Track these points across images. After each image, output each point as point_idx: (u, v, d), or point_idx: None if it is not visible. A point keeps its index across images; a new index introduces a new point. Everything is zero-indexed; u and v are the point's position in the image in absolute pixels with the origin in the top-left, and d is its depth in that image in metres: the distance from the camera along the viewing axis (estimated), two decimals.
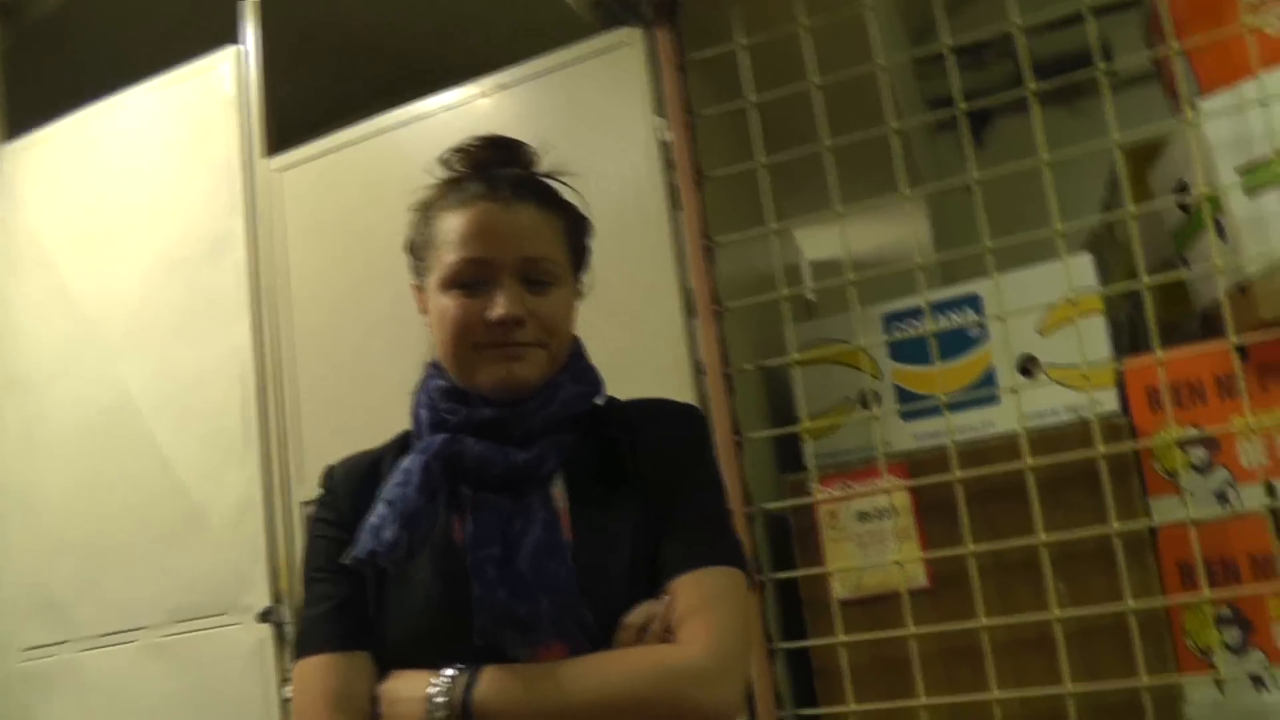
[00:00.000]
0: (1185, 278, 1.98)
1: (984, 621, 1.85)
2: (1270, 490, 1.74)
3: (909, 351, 2.04)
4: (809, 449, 2.04)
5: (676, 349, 2.09)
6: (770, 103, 2.11)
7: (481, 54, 2.39)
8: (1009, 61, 2.77)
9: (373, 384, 2.33)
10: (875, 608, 1.95)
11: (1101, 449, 1.81)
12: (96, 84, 2.76)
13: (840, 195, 2.04)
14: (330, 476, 1.39)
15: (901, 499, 1.96)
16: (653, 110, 2.19)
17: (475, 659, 1.18)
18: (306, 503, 2.35)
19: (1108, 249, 2.28)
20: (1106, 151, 1.92)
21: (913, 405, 2.02)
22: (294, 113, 2.64)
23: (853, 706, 1.92)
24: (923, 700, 1.88)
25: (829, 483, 2.01)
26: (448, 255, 1.28)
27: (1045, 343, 1.95)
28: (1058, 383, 1.91)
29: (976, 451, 1.92)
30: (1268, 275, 1.73)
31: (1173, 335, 1.86)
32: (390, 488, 1.25)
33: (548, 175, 1.37)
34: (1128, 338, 2.19)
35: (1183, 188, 1.93)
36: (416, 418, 1.34)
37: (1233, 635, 1.74)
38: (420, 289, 1.36)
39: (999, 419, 1.95)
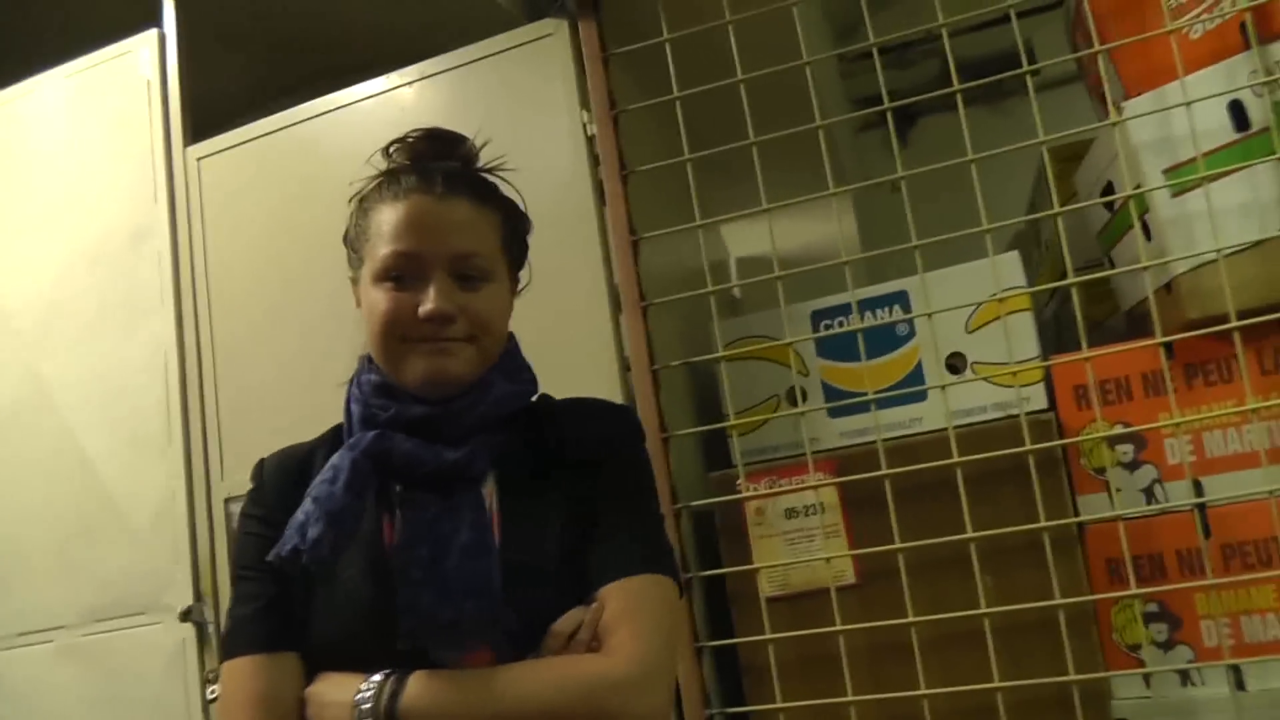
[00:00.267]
0: (1111, 276, 1.93)
1: (912, 618, 1.77)
2: (1197, 487, 1.69)
3: (836, 348, 1.96)
4: (736, 446, 1.96)
5: (603, 345, 2.00)
6: (697, 98, 2.01)
7: (405, 44, 2.28)
8: (934, 61, 2.74)
9: (296, 378, 2.22)
10: (803, 604, 1.87)
11: (1030, 445, 1.75)
12: (9, 67, 2.60)
13: (766, 192, 1.95)
14: (260, 471, 1.34)
15: (829, 496, 1.88)
16: (579, 103, 2.09)
17: (401, 662, 1.14)
18: (230, 499, 2.23)
19: (1033, 248, 2.24)
20: (1032, 151, 1.87)
21: (840, 402, 1.93)
22: (214, 100, 2.51)
23: (781, 704, 1.84)
24: (851, 697, 1.80)
25: (756, 479, 1.93)
26: (380, 248, 1.23)
27: (973, 340, 1.88)
28: (985, 380, 1.85)
29: (905, 448, 1.85)
30: (1193, 275, 1.67)
31: (1097, 334, 1.81)
32: (318, 484, 1.19)
33: (486, 170, 1.32)
34: (1053, 336, 2.14)
35: (1109, 188, 1.88)
36: (348, 412, 1.29)
37: (1160, 631, 1.69)
38: (355, 282, 1.30)
39: (927, 416, 1.88)
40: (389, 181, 1.27)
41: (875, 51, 1.93)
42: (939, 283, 1.88)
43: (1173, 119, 1.72)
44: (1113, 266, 1.93)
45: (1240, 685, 1.64)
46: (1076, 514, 1.75)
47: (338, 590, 1.20)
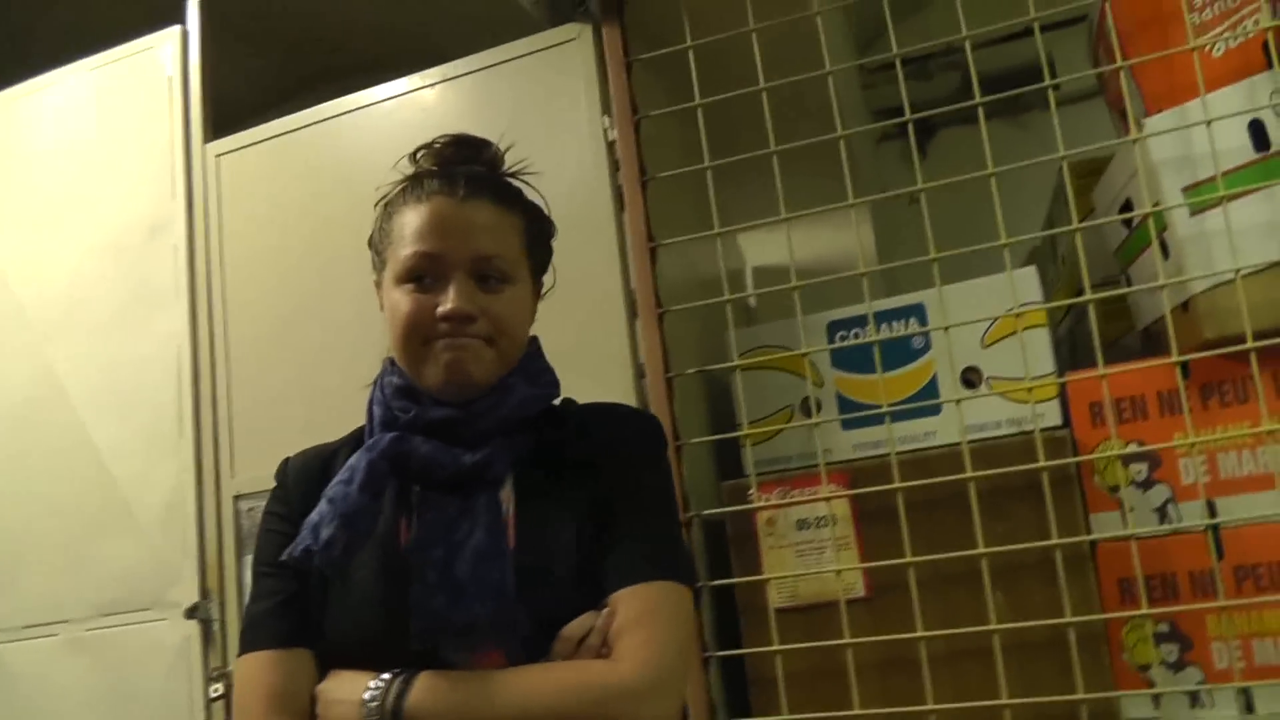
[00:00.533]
0: (1128, 294, 1.93)
1: (922, 633, 1.78)
2: (1210, 508, 1.69)
3: (852, 360, 1.97)
4: (749, 455, 1.97)
5: (619, 351, 2.02)
6: (718, 105, 2.02)
7: (429, 45, 2.30)
8: (954, 74, 2.74)
9: (309, 377, 2.25)
10: (812, 616, 1.88)
11: (1043, 462, 1.75)
12: (32, 60, 2.63)
13: (785, 201, 1.96)
14: (284, 470, 1.36)
15: (841, 507, 1.89)
16: (600, 108, 2.11)
17: (412, 661, 1.15)
18: (240, 496, 2.25)
19: (1049, 263, 2.24)
20: (1051, 166, 1.87)
21: (854, 414, 1.94)
22: (236, 97, 2.54)
23: (788, 716, 1.85)
24: (858, 711, 1.80)
25: (768, 489, 1.94)
26: (401, 250, 1.25)
27: (988, 355, 1.89)
28: (1000, 395, 1.86)
29: (918, 461, 1.85)
30: (1210, 295, 1.68)
31: (1113, 352, 1.82)
32: (334, 485, 1.22)
33: (510, 175, 1.34)
34: (1068, 352, 2.15)
35: (1127, 204, 1.89)
36: (370, 414, 1.30)
37: (1170, 652, 1.69)
38: (378, 285, 1.32)
39: (941, 429, 1.89)
40: (413, 185, 1.29)
41: (898, 63, 1.94)
42: (955, 296, 1.88)
43: (1193, 137, 1.73)
44: (1130, 284, 1.94)
45: (1250, 708, 1.65)
46: (1089, 532, 1.76)
47: (352, 589, 1.21)
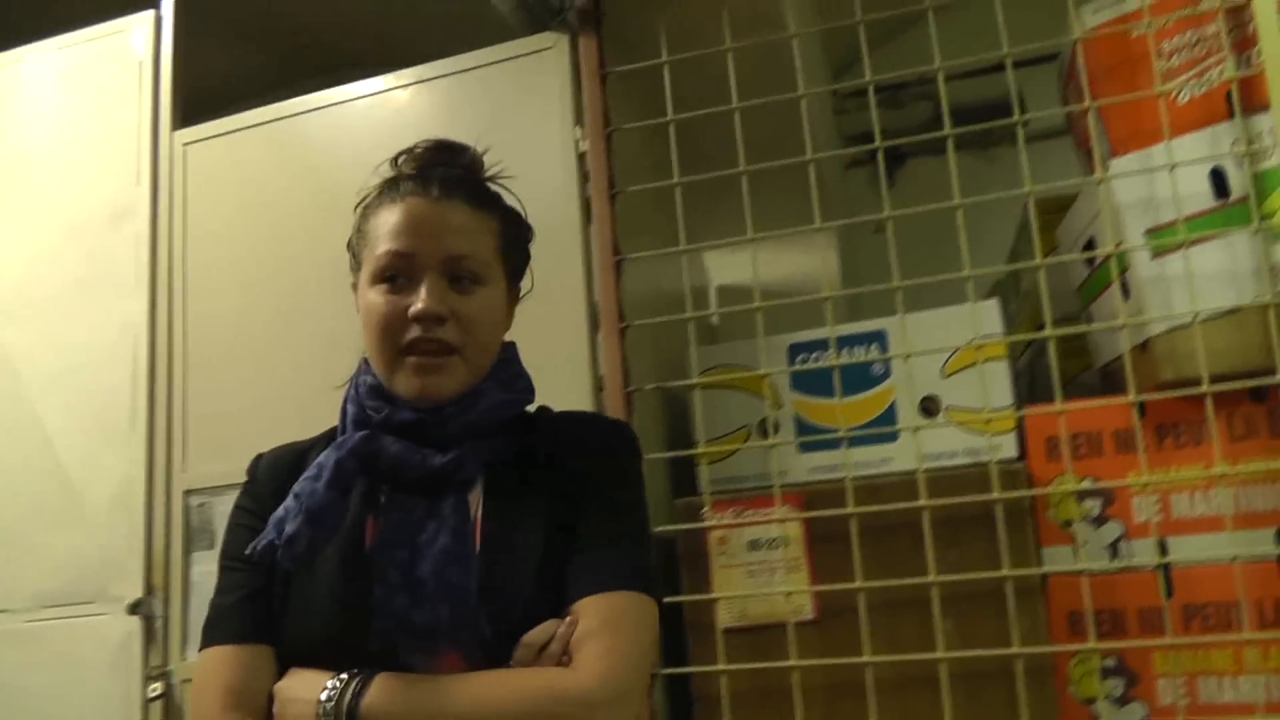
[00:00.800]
0: (1088, 332, 1.95)
1: (869, 657, 1.77)
2: (1162, 547, 1.70)
3: (812, 383, 1.97)
4: (704, 473, 1.96)
5: (579, 363, 2.00)
6: (691, 123, 2.02)
7: (403, 45, 2.28)
8: (926, 104, 2.76)
9: (266, 373, 2.21)
10: (760, 637, 1.87)
11: (998, 494, 1.76)
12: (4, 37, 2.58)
13: (752, 221, 1.96)
14: (255, 465, 1.35)
15: (794, 529, 1.88)
16: (573, 119, 2.10)
17: (372, 662, 1.14)
18: (190, 491, 2.21)
19: (1012, 297, 2.25)
20: (1017, 200, 1.88)
21: (812, 437, 1.94)
22: (207, 86, 2.50)
23: None
24: None
25: (722, 509, 1.92)
26: (376, 249, 1.25)
27: (948, 385, 1.89)
28: (958, 425, 1.86)
29: (873, 487, 1.85)
30: (1169, 337, 1.69)
31: (1071, 388, 1.83)
32: (302, 481, 1.21)
33: (488, 179, 1.34)
34: (1027, 386, 2.16)
35: (1090, 243, 1.90)
36: (344, 412, 1.30)
37: (1116, 686, 1.69)
38: (355, 287, 1.31)
39: (898, 456, 1.89)
40: (390, 187, 1.28)
41: (871, 89, 1.94)
42: (917, 325, 1.88)
43: (1156, 181, 1.74)
44: (1090, 322, 1.95)
45: None
46: (1040, 564, 1.76)
47: (314, 587, 1.20)
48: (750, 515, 1.92)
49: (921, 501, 1.79)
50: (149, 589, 2.17)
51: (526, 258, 1.37)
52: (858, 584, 1.80)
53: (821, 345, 1.96)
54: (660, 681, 1.91)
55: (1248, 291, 1.67)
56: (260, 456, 1.35)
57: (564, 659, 1.14)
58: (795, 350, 2.00)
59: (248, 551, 1.19)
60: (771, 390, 1.99)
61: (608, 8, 2.12)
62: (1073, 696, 1.73)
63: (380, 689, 1.11)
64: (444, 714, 1.10)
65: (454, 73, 2.22)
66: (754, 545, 1.91)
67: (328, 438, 1.32)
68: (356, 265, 1.30)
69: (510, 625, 1.16)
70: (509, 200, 1.35)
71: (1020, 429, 1.83)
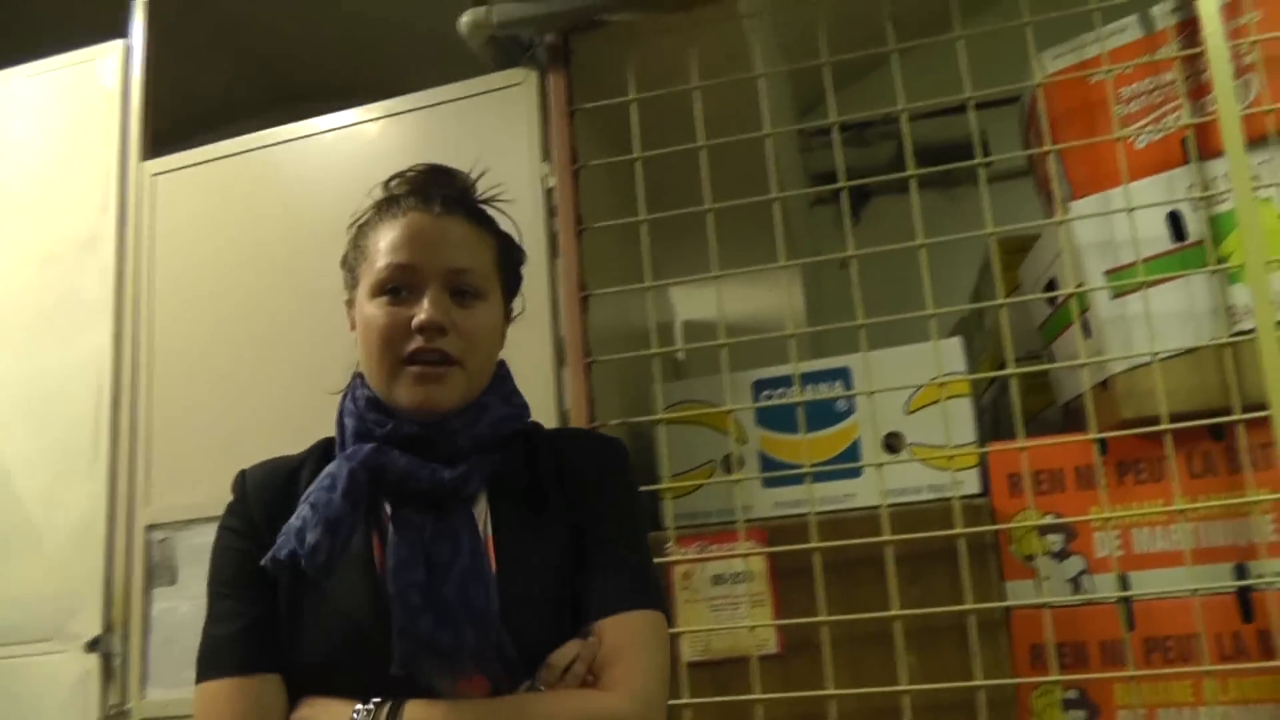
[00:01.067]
0: (1050, 370, 1.95)
1: (832, 691, 1.76)
2: (1123, 581, 1.70)
3: (776, 419, 1.95)
4: (668, 508, 1.93)
5: (544, 397, 1.96)
6: (657, 160, 2.01)
7: (374, 78, 2.27)
8: (890, 143, 2.78)
9: (231, 408, 2.16)
10: (723, 671, 1.84)
11: (961, 529, 1.75)
12: None
13: (719, 258, 1.95)
14: (242, 483, 1.27)
15: (757, 564, 1.87)
16: (540, 154, 2.08)
17: (391, 686, 1.11)
18: (153, 526, 2.15)
19: (975, 335, 2.26)
20: (980, 240, 1.90)
21: (776, 473, 1.92)
22: (175, 116, 2.47)
23: None
24: None
25: (686, 544, 1.90)
26: (376, 262, 1.22)
27: (911, 421, 1.88)
28: (921, 461, 1.86)
29: (837, 522, 1.83)
30: (1129, 376, 1.70)
31: (1033, 425, 1.83)
32: (315, 491, 1.16)
33: (484, 201, 1.32)
34: (990, 423, 2.17)
35: (1051, 283, 1.91)
36: (341, 426, 1.25)
37: (1078, 718, 1.68)
38: (350, 304, 1.29)
39: (861, 492, 1.87)
40: (388, 204, 1.27)
41: (836, 129, 1.95)
42: (881, 362, 1.88)
43: (1115, 223, 1.75)
44: (1052, 360, 1.96)
45: None
46: (1004, 598, 1.75)
47: (326, 608, 1.16)
48: (714, 550, 1.90)
49: (885, 537, 1.78)
50: (108, 626, 2.10)
51: (519, 279, 1.36)
52: (821, 618, 1.78)
53: (786, 381, 1.95)
54: None
55: (1205, 332, 1.68)
56: (244, 474, 1.29)
57: (588, 678, 1.14)
58: (760, 386, 1.99)
59: (264, 563, 1.14)
60: (736, 426, 1.98)
61: (577, 45, 2.11)
62: None
63: (414, 718, 1.09)
64: None
65: (424, 106, 2.20)
66: (718, 580, 1.89)
67: (319, 453, 1.28)
68: (353, 282, 1.28)
69: (531, 641, 1.14)
70: (503, 224, 1.33)
71: (983, 465, 1.82)
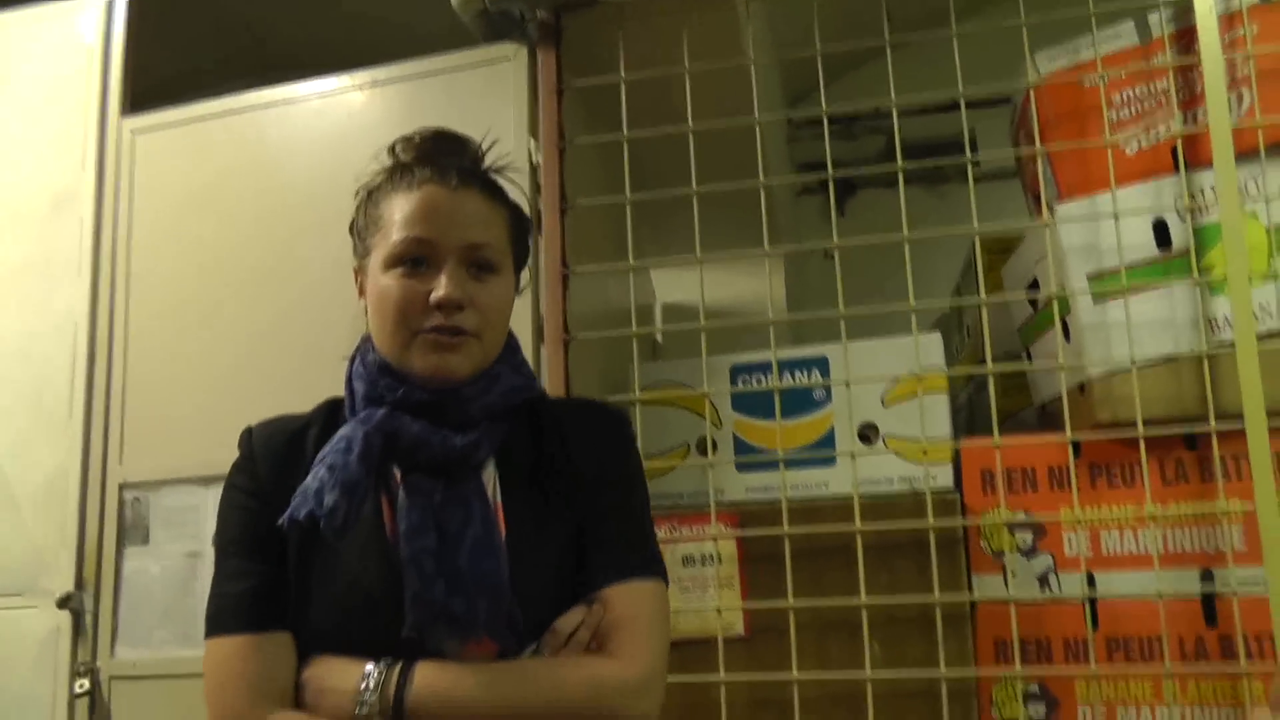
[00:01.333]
0: (1028, 371, 1.92)
1: (796, 675, 1.73)
2: (1090, 580, 1.68)
3: (752, 404, 1.91)
4: None
5: None
6: (645, 143, 1.95)
7: (362, 45, 2.19)
8: (879, 138, 2.73)
9: (207, 368, 2.09)
10: (690, 652, 1.80)
11: (932, 521, 1.72)
12: None
13: (702, 243, 1.90)
14: (248, 441, 1.24)
15: (727, 548, 1.83)
16: (527, 130, 2.01)
17: (400, 649, 1.10)
18: (125, 485, 2.08)
19: (954, 333, 2.24)
20: (965, 238, 1.86)
21: (750, 457, 1.88)
22: (156, 73, 2.38)
23: None
24: None
25: (657, 524, 1.87)
26: (393, 234, 1.19)
27: (887, 414, 1.84)
28: (895, 453, 1.82)
29: (808, 509, 1.80)
30: (1106, 380, 1.67)
31: (1008, 424, 1.81)
32: (331, 453, 1.14)
33: (495, 171, 1.28)
34: (966, 420, 2.14)
35: (1034, 284, 1.88)
36: (351, 390, 1.23)
37: (1038, 711, 1.66)
38: (359, 271, 1.26)
39: (834, 481, 1.83)
40: (401, 173, 1.23)
41: (825, 119, 1.91)
42: (860, 353, 1.84)
43: (1101, 228, 1.71)
44: (1031, 361, 1.93)
45: None
46: (971, 592, 1.72)
47: (336, 570, 1.14)
48: (685, 531, 1.87)
49: (855, 525, 1.75)
50: (79, 583, 2.03)
51: (528, 251, 1.33)
52: (789, 603, 1.75)
53: (764, 368, 1.91)
54: None
55: (1185, 341, 1.65)
56: (250, 432, 1.25)
57: (592, 645, 1.14)
58: (737, 371, 1.94)
59: (280, 523, 1.12)
60: (712, 409, 1.94)
61: (568, 23, 2.03)
62: (994, 718, 1.70)
63: (425, 680, 1.08)
64: (493, 706, 1.08)
65: (411, 76, 2.12)
66: (688, 561, 1.86)
67: (325, 414, 1.25)
68: (364, 249, 1.24)
69: (537, 608, 1.14)
70: (512, 193, 1.30)
71: (956, 460, 1.78)
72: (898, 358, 1.84)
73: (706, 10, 1.97)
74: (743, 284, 2.38)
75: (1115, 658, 1.66)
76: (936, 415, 1.81)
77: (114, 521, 2.08)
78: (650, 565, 1.21)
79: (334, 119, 2.15)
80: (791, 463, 1.86)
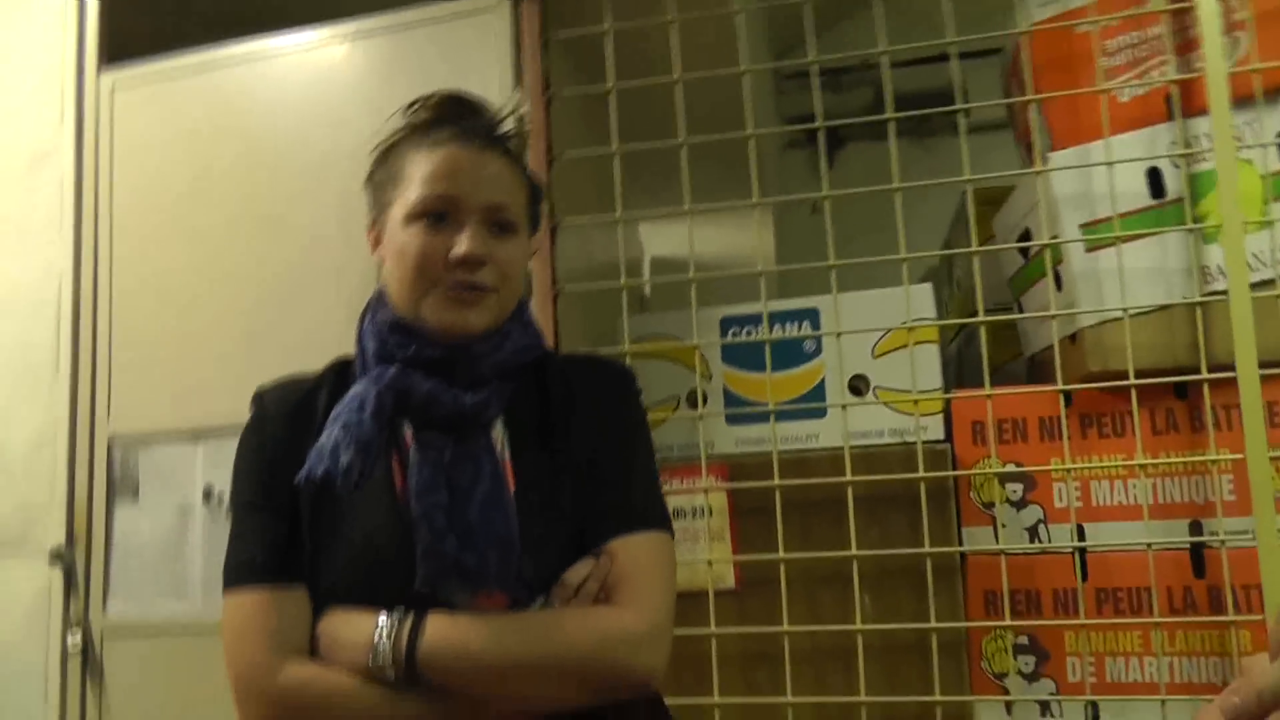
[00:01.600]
0: (1018, 321, 1.87)
1: (786, 627, 1.69)
2: (1079, 532, 1.63)
3: (742, 356, 1.85)
4: None
5: None
6: (631, 92, 1.88)
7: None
8: (867, 90, 2.66)
9: (192, 321, 2.02)
10: (679, 605, 1.75)
11: (922, 473, 1.67)
12: None
13: (690, 196, 1.84)
14: (261, 400, 1.24)
15: (718, 500, 1.78)
16: (512, 82, 1.94)
17: (412, 602, 1.10)
18: (114, 438, 2.02)
19: (945, 285, 2.18)
20: (952, 191, 1.81)
21: (740, 409, 1.83)
22: (135, 30, 2.29)
23: None
24: (717, 699, 1.71)
25: None
26: (416, 190, 1.19)
27: (877, 365, 1.79)
28: (886, 405, 1.77)
29: (799, 462, 1.75)
30: (1098, 330, 1.61)
31: (999, 376, 1.76)
32: (346, 411, 1.14)
33: (513, 134, 1.27)
34: (955, 372, 2.09)
35: (1025, 234, 1.82)
36: (362, 347, 1.23)
37: (1027, 663, 1.62)
38: (374, 225, 1.26)
39: (824, 433, 1.78)
40: (420, 131, 1.22)
41: (814, 70, 1.84)
42: (850, 305, 1.78)
43: (1094, 176, 1.65)
44: (1022, 312, 1.88)
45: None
46: (961, 544, 1.68)
47: (348, 526, 1.15)
48: (676, 484, 1.82)
49: (846, 477, 1.71)
50: (70, 538, 1.98)
51: (540, 219, 1.32)
52: (779, 555, 1.71)
53: (754, 320, 1.85)
54: None
55: (1177, 290, 1.59)
56: (261, 394, 1.25)
57: (600, 596, 1.13)
58: (727, 323, 1.88)
59: (297, 481, 1.11)
60: (702, 362, 1.88)
61: None
62: (985, 671, 1.65)
63: (436, 631, 1.08)
64: (505, 654, 1.08)
65: (393, 28, 2.03)
66: (678, 514, 1.81)
67: (335, 373, 1.25)
68: (381, 203, 1.23)
69: (546, 562, 1.14)
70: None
71: (947, 412, 1.73)
72: (888, 309, 1.78)
73: None
74: (732, 237, 2.32)
75: (1104, 609, 1.62)
76: (927, 367, 1.75)
77: (103, 477, 2.02)
78: (656, 518, 1.21)
79: (315, 71, 2.06)
80: (782, 415, 1.81)
